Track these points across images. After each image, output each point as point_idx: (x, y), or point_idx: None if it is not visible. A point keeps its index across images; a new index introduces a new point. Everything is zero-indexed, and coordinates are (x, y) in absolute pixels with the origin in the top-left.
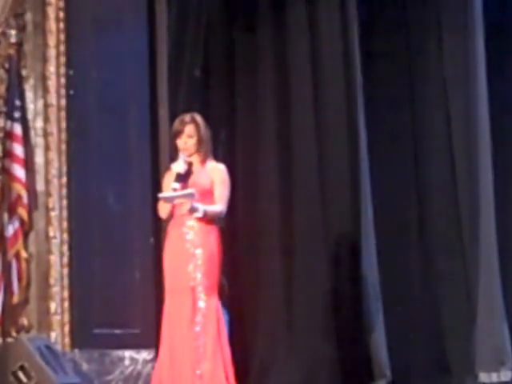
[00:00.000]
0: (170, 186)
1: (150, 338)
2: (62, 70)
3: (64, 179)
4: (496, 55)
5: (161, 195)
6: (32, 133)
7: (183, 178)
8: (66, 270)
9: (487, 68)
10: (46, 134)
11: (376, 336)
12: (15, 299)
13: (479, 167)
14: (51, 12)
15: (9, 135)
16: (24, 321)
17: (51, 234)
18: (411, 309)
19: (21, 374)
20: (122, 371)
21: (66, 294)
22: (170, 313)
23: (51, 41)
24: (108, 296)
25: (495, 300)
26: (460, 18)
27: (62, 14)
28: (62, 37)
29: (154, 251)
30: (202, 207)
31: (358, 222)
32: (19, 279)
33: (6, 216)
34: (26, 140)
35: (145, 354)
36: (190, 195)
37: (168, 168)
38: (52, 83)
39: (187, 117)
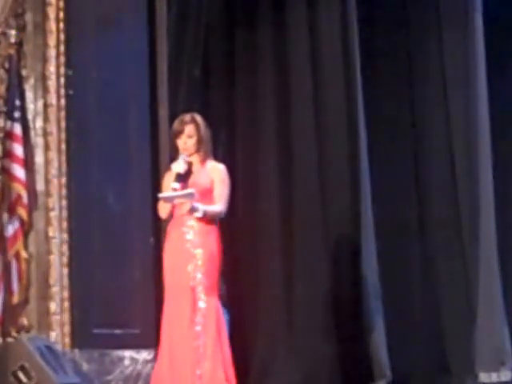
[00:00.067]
0: (169, 186)
1: (150, 338)
2: (62, 70)
3: (64, 179)
4: (496, 55)
5: (161, 195)
6: (32, 133)
7: (183, 178)
8: (65, 270)
9: (487, 68)
10: (45, 134)
11: (376, 336)
12: (15, 299)
13: (479, 167)
14: (51, 12)
15: (9, 135)
16: (24, 321)
17: (51, 234)
18: (411, 309)
19: (21, 374)
20: (122, 371)
21: (66, 294)
22: (169, 313)
23: (51, 41)
24: (108, 296)
25: (495, 300)
26: (460, 18)
27: (61, 14)
28: (62, 37)
29: (154, 251)
30: (201, 207)
31: (357, 222)
32: (19, 279)
33: (5, 216)
34: (26, 140)
35: (145, 354)
36: (190, 195)
37: (168, 168)
38: (52, 83)
39: (187, 117)
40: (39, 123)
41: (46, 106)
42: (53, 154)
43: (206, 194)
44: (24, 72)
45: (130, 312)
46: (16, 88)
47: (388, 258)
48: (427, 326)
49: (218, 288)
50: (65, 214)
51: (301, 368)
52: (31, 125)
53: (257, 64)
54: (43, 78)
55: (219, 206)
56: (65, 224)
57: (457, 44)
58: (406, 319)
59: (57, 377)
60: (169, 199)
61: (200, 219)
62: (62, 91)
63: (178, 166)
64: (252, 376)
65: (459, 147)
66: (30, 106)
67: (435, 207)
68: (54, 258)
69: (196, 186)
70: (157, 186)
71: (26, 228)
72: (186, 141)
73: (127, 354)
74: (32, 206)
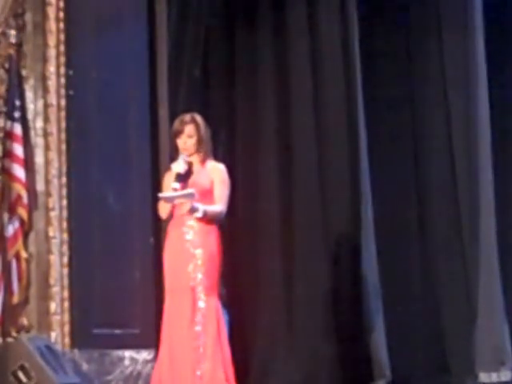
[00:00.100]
0: (169, 186)
1: (150, 338)
2: (62, 70)
3: (64, 179)
4: (496, 55)
5: (161, 195)
6: (32, 133)
7: (183, 178)
8: (65, 270)
9: (487, 68)
10: (45, 134)
11: (376, 336)
12: (15, 299)
13: (479, 167)
14: (51, 12)
15: (9, 135)
16: (24, 321)
17: (51, 234)
18: (411, 309)
19: (21, 374)
20: (122, 371)
21: (66, 294)
22: (169, 313)
23: (51, 41)
24: (108, 296)
25: (495, 300)
26: (460, 18)
27: (61, 14)
28: (62, 37)
29: (154, 251)
30: (202, 207)
31: (358, 222)
32: (19, 279)
33: (6, 216)
34: (26, 140)
35: (145, 354)
36: (190, 195)
37: (168, 168)
38: (52, 83)
39: (187, 117)
40: (39, 123)
41: (46, 106)
42: (53, 154)
43: (206, 194)
44: (24, 72)
45: (130, 312)
46: (16, 88)
47: (388, 258)
48: (427, 326)
49: (218, 288)
50: (65, 213)
51: (301, 368)
52: (31, 125)
53: (257, 64)
54: (43, 78)
55: (219, 206)
56: (65, 224)
57: (457, 44)
58: (405, 319)
59: (57, 377)
60: (169, 199)
61: (200, 219)
62: (62, 91)
63: (178, 166)
64: (252, 376)
65: (459, 147)
66: (30, 106)
67: (435, 207)
68: (53, 258)
69: (196, 186)
70: (157, 186)
71: (26, 228)
72: (186, 141)
73: (127, 353)
74: (32, 206)
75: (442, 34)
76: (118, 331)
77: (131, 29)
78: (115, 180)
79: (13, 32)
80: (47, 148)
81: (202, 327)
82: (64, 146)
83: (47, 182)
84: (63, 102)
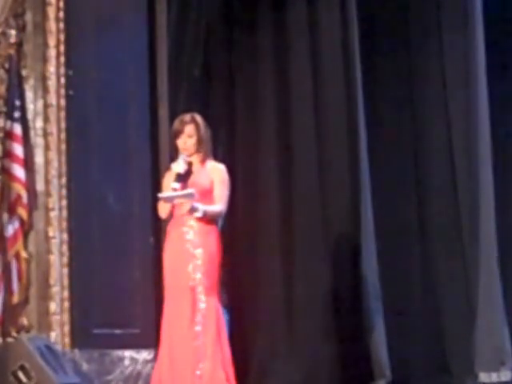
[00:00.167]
0: (169, 186)
1: (150, 338)
2: (62, 70)
3: (64, 179)
4: (496, 55)
5: (161, 195)
6: (32, 133)
7: (183, 178)
8: (65, 270)
9: (487, 68)
10: (45, 134)
11: (376, 336)
12: (15, 299)
13: (479, 167)
14: (51, 12)
15: (9, 135)
16: (24, 321)
17: (51, 234)
18: (411, 309)
19: (21, 374)
20: (122, 371)
21: (66, 294)
22: (169, 313)
23: (51, 41)
24: (108, 296)
25: (495, 300)
26: (460, 18)
27: (62, 14)
28: (62, 37)
29: (153, 251)
30: (201, 207)
31: (358, 222)
32: (19, 279)
33: (5, 216)
34: (26, 140)
35: (145, 354)
36: (190, 195)
37: (168, 168)
38: (52, 83)
39: (187, 117)
40: (39, 123)
41: (46, 106)
42: (53, 154)
43: (206, 194)
44: (24, 72)
45: (130, 312)
46: (16, 88)
47: (388, 258)
48: (427, 326)
49: (218, 289)
50: (65, 213)
51: (301, 368)
52: (31, 125)
53: (257, 64)
54: (43, 78)
55: (219, 206)
56: (65, 224)
57: (457, 44)
58: (405, 319)
59: (57, 377)
60: (169, 199)
61: (200, 219)
62: (62, 91)
63: (178, 166)
64: (252, 376)
65: (459, 147)
66: (30, 106)
67: (435, 207)
68: (53, 258)
69: (196, 186)
70: (157, 186)
71: (26, 228)
72: (186, 141)
73: (127, 353)
74: (32, 206)
75: (442, 34)
76: (118, 331)
77: (131, 29)
78: (115, 180)
79: (13, 32)
80: (47, 148)
81: (201, 327)
82: (64, 146)
83: (47, 182)
84: (63, 102)
